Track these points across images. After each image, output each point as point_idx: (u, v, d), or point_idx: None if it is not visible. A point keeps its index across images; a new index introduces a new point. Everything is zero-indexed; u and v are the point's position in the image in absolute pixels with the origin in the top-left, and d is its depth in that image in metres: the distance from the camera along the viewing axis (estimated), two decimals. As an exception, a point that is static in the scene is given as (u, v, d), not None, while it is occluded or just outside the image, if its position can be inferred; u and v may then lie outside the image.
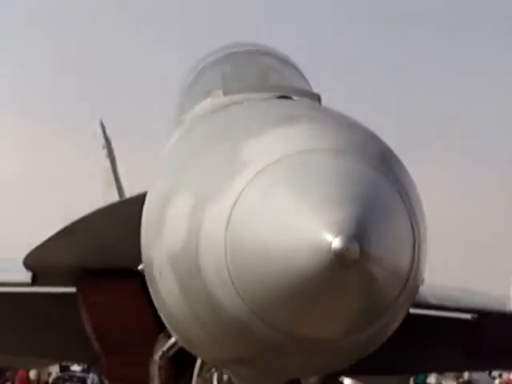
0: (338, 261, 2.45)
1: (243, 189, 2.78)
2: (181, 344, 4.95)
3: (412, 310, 7.95)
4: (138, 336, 6.42)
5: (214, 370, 5.51)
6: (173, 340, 5.22)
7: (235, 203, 2.77)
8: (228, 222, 2.77)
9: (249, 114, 3.82)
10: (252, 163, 2.88)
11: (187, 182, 3.37)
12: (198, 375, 5.62)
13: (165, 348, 5.66)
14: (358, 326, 2.90)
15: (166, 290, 3.64)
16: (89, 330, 6.95)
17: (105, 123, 18.01)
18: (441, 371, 19.46)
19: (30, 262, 7.01)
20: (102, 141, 17.23)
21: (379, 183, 2.78)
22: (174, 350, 5.59)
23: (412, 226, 2.78)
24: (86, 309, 6.85)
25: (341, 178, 2.72)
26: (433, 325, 9.15)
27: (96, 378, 21.11)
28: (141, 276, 5.04)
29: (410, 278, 2.85)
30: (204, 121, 4.62)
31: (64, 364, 23.29)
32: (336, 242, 2.43)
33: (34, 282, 7.37)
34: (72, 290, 7.20)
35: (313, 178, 2.73)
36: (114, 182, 17.20)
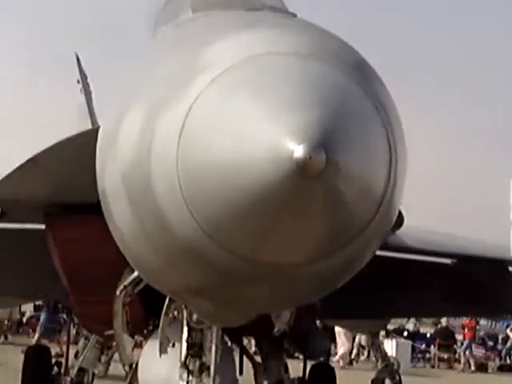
0: (301, 171, 2.20)
1: (198, 95, 2.53)
2: (141, 276, 4.73)
3: (390, 253, 8.28)
4: (106, 273, 6.17)
5: (183, 307, 5.19)
6: (135, 274, 5.06)
7: (189, 111, 2.51)
8: (181, 133, 2.52)
9: (211, 23, 3.58)
10: (209, 68, 2.62)
11: (141, 93, 3.09)
12: (165, 313, 5.30)
13: (126, 282, 5.57)
14: (323, 251, 2.65)
15: (118, 212, 3.38)
16: (58, 266, 6.86)
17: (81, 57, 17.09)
18: (419, 316, 20.43)
19: None
20: (77, 75, 16.42)
21: (351, 89, 2.49)
22: (139, 285, 5.53)
23: (388, 140, 2.50)
24: (55, 245, 6.73)
25: (306, 80, 2.46)
26: (412, 269, 9.34)
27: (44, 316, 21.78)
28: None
29: (384, 202, 2.59)
30: (163, 35, 4.50)
31: (38, 304, 23.78)
32: (299, 150, 2.18)
33: (2, 216, 7.14)
34: (41, 226, 7.07)
35: (274, 81, 2.48)
36: (89, 119, 16.19)
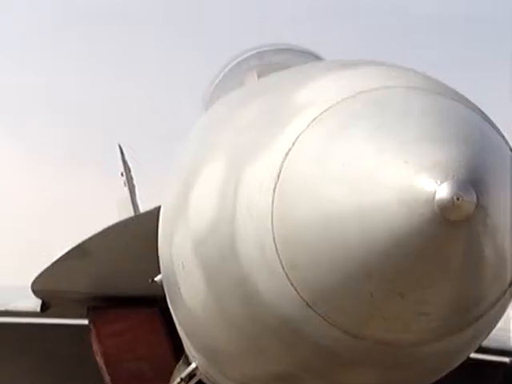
0: (445, 216, 1.76)
1: (297, 137, 2.12)
2: (204, 367, 4.29)
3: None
4: (153, 368, 6.09)
5: None
6: (193, 366, 4.65)
7: (286, 156, 2.10)
8: (277, 179, 2.11)
9: (293, 74, 3.06)
10: (306, 109, 2.19)
11: (217, 149, 2.70)
12: None
13: (183, 375, 5.11)
14: (455, 324, 2.21)
15: (189, 289, 2.97)
16: (100, 362, 6.63)
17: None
18: None
19: (36, 287, 6.60)
20: (120, 167, 15.44)
21: (484, 126, 2.10)
22: (194, 378, 5.00)
23: None
24: (97, 340, 6.53)
25: (437, 112, 2.05)
26: (471, 366, 8.58)
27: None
28: (158, 303, 5.12)
29: None
30: (227, 98, 3.97)
31: None
32: (443, 189, 1.75)
33: (44, 310, 7.10)
34: (83, 321, 7.00)
35: (395, 114, 2.05)
36: (132, 213, 15.88)
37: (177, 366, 5.20)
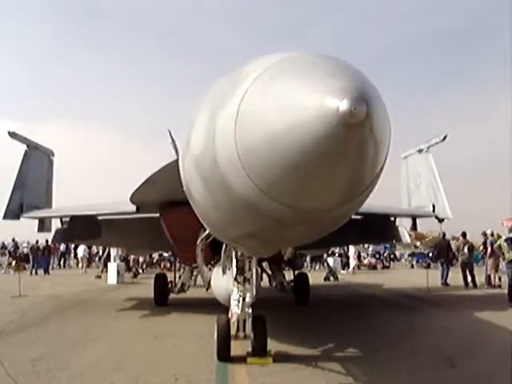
0: (346, 121, 2.41)
1: (247, 89, 2.81)
2: (211, 233, 6.15)
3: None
4: (192, 237, 8.84)
5: (233, 248, 7.10)
6: (206, 232, 7.18)
7: (241, 100, 2.80)
8: (236, 115, 2.79)
9: (241, 65, 3.48)
10: (250, 74, 2.90)
11: (205, 105, 3.54)
12: (224, 252, 7.60)
13: (202, 237, 8.13)
14: (349, 196, 2.98)
15: (195, 191, 3.95)
16: (167, 233, 10.81)
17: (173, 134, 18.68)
18: (345, 245, 26.08)
19: (133, 199, 10.20)
20: (171, 147, 18.16)
21: (365, 76, 2.74)
22: (209, 238, 7.80)
23: (389, 125, 2.78)
24: (165, 223, 10.61)
25: (332, 63, 2.74)
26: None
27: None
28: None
29: (384, 164, 2.91)
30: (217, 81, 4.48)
31: (160, 253, 29.69)
32: (344, 103, 2.40)
33: (138, 211, 11.12)
34: (156, 214, 11.21)
35: (309, 67, 2.68)
36: None
37: (200, 233, 8.15)
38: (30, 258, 28.72)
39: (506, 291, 14.59)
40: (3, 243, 37.00)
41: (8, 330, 10.27)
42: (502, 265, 17.11)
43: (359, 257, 32.83)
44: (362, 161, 2.67)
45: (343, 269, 30.15)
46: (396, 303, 15.19)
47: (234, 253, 7.10)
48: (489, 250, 18.45)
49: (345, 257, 31.70)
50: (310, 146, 2.50)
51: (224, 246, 7.30)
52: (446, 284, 19.42)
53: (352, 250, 29.92)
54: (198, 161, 3.51)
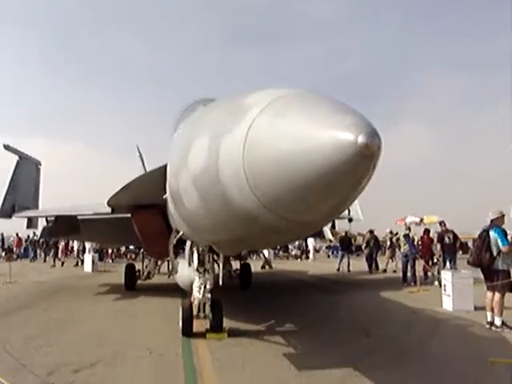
0: (362, 152, 2.30)
1: (254, 118, 2.65)
2: (186, 234, 5.62)
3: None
4: (158, 234, 8.46)
5: (193, 243, 6.86)
6: (180, 233, 6.26)
7: (249, 128, 2.64)
8: (245, 141, 2.64)
9: (234, 96, 3.42)
10: (253, 106, 2.74)
11: (203, 130, 3.32)
12: (190, 249, 7.16)
13: (175, 238, 6.89)
14: (343, 210, 2.92)
15: (187, 200, 3.74)
16: (137, 231, 9.55)
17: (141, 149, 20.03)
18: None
19: (109, 203, 9.52)
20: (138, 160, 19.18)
21: (361, 114, 2.54)
22: (178, 238, 6.70)
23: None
24: (135, 223, 9.42)
25: (335, 100, 2.60)
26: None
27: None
28: (159, 207, 7.12)
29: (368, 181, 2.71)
30: (198, 112, 4.72)
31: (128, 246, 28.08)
32: (361, 137, 2.29)
33: (112, 212, 10.23)
34: (128, 215, 9.83)
35: (311, 101, 2.57)
36: None
37: (172, 234, 6.88)
38: (30, 249, 29.38)
39: (400, 275, 15.19)
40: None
41: (0, 312, 9.71)
42: (398, 254, 17.64)
43: (287, 248, 33.04)
44: (363, 182, 2.62)
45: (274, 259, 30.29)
46: (319, 285, 15.51)
47: (195, 248, 7.01)
48: (388, 243, 19.16)
49: (276, 249, 31.89)
50: (324, 171, 2.39)
51: (189, 243, 7.10)
52: (348, 270, 19.58)
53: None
54: (197, 177, 3.33)
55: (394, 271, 18.79)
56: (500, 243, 7.63)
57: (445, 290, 10.12)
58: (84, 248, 25.48)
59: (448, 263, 14.57)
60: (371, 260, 19.87)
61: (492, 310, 7.94)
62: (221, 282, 6.92)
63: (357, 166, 2.40)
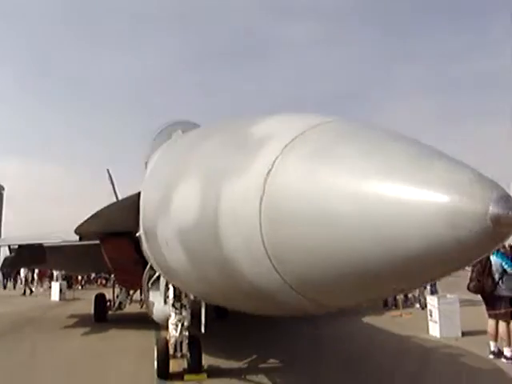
0: (495, 231, 1.40)
1: (274, 160, 1.84)
2: (165, 278, 5.20)
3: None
4: (130, 263, 8.13)
5: (169, 282, 6.20)
6: (156, 274, 6.15)
7: (268, 174, 1.83)
8: (262, 193, 1.82)
9: (234, 119, 2.88)
10: (271, 139, 1.93)
11: (190, 168, 2.58)
12: (166, 285, 6.42)
13: (150, 273, 6.71)
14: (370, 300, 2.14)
15: (171, 255, 2.97)
16: (106, 260, 9.14)
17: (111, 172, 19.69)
18: None
19: (77, 231, 8.99)
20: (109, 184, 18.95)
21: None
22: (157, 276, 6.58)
23: None
24: (104, 251, 9.03)
25: (413, 141, 1.69)
26: None
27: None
28: (130, 235, 6.56)
29: None
30: (179, 140, 4.22)
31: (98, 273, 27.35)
32: (495, 208, 1.39)
33: (80, 240, 9.86)
34: (97, 241, 9.40)
35: (381, 139, 1.66)
36: None
37: (147, 269, 6.54)
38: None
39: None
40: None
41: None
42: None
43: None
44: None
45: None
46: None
47: (171, 284, 6.34)
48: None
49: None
50: (410, 255, 1.49)
51: (164, 279, 6.40)
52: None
53: None
54: (185, 233, 2.55)
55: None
56: (507, 268, 7.26)
57: (431, 315, 9.77)
58: (52, 274, 24.31)
59: (428, 285, 14.23)
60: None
61: (496, 339, 7.54)
62: (203, 330, 6.14)
63: (476, 251, 1.52)
